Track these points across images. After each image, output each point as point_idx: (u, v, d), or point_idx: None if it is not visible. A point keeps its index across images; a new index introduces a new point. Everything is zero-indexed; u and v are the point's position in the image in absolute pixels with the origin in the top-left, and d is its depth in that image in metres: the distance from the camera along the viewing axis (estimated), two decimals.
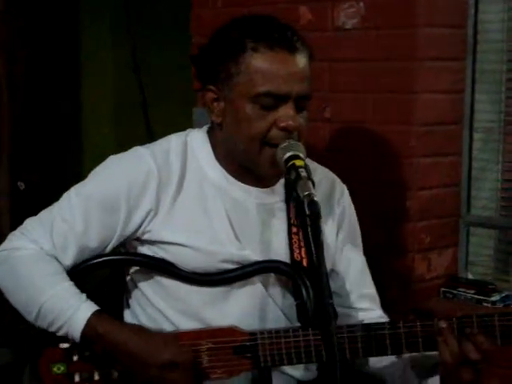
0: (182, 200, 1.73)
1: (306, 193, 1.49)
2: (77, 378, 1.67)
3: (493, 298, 2.44)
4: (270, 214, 1.77)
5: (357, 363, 1.81)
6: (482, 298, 2.46)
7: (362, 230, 1.94)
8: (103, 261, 1.75)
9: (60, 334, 1.65)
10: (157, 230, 1.72)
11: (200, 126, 1.85)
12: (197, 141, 1.79)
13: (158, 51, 4.24)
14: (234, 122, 1.69)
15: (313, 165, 1.78)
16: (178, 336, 1.67)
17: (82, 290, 1.68)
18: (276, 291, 1.76)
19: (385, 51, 2.49)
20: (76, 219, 1.70)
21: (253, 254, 1.73)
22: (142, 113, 4.37)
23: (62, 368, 1.67)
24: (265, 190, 1.78)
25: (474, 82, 2.53)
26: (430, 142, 2.48)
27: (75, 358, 1.68)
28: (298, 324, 1.71)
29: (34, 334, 1.69)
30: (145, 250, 1.75)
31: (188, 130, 1.83)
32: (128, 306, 1.83)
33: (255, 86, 1.65)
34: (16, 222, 1.81)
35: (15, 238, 1.74)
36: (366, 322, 1.80)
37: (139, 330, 1.68)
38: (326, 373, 1.47)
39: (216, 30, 1.73)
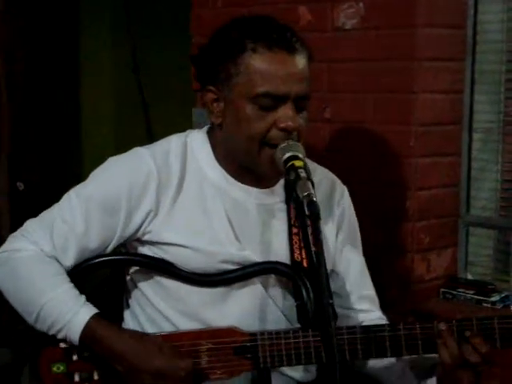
0: (181, 201, 1.73)
1: (306, 193, 1.49)
2: (76, 378, 1.68)
3: (492, 299, 2.44)
4: (270, 215, 1.77)
5: (356, 364, 1.81)
6: (481, 298, 2.46)
7: (361, 230, 1.94)
8: (103, 261, 1.75)
9: (59, 336, 1.65)
10: (157, 230, 1.72)
11: (199, 126, 1.85)
12: (197, 141, 1.79)
13: (157, 51, 4.24)
14: (234, 122, 1.69)
15: (312, 165, 1.78)
16: (175, 339, 1.66)
17: (82, 291, 1.69)
18: (276, 292, 1.76)
19: (384, 51, 2.49)
20: (76, 220, 1.71)
21: (253, 255, 1.73)
22: (142, 113, 4.37)
23: (62, 367, 1.67)
24: (265, 190, 1.78)
25: (473, 82, 2.54)
26: (429, 142, 2.48)
27: (75, 357, 1.68)
28: (298, 325, 1.71)
29: (33, 335, 1.69)
30: (145, 250, 1.75)
31: (188, 131, 1.83)
32: (128, 306, 1.83)
33: (254, 87, 1.65)
34: (15, 223, 1.81)
35: (15, 240, 1.74)
36: (365, 323, 1.80)
37: (137, 335, 1.67)
38: (326, 374, 1.47)
39: (215, 31, 1.74)
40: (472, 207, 2.60)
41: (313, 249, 1.46)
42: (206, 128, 1.82)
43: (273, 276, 1.75)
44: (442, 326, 1.64)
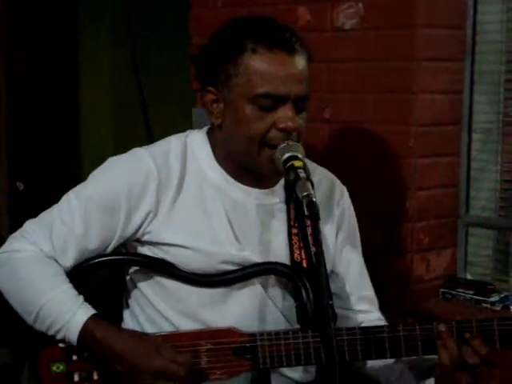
0: (181, 201, 1.73)
1: (305, 193, 1.49)
2: (76, 378, 1.67)
3: (492, 299, 2.44)
4: (270, 215, 1.77)
5: (355, 365, 1.81)
6: (480, 298, 2.46)
7: (360, 231, 1.94)
8: (103, 261, 1.75)
9: (58, 337, 1.65)
10: (157, 231, 1.72)
11: (199, 126, 1.85)
12: (196, 142, 1.79)
13: (157, 51, 4.23)
14: (234, 122, 1.69)
15: (312, 166, 1.78)
16: (175, 340, 1.66)
17: (82, 291, 1.69)
18: (276, 293, 1.76)
19: (384, 52, 2.49)
20: (76, 221, 1.71)
21: (252, 255, 1.73)
22: (142, 113, 4.36)
23: (62, 367, 1.67)
24: (264, 191, 1.78)
25: (472, 82, 2.54)
26: (428, 143, 2.49)
27: (74, 357, 1.68)
28: (298, 326, 1.71)
29: (32, 335, 1.69)
30: (145, 250, 1.75)
31: (188, 131, 1.83)
32: (127, 306, 1.83)
33: (254, 87, 1.65)
34: (15, 223, 1.81)
35: (15, 240, 1.74)
36: (364, 324, 1.80)
37: (136, 335, 1.67)
38: (326, 375, 1.47)
39: (215, 31, 1.74)
40: (471, 207, 2.60)
41: (312, 249, 1.46)
42: (205, 128, 1.82)
43: (272, 277, 1.75)
44: (442, 327, 1.64)
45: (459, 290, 2.51)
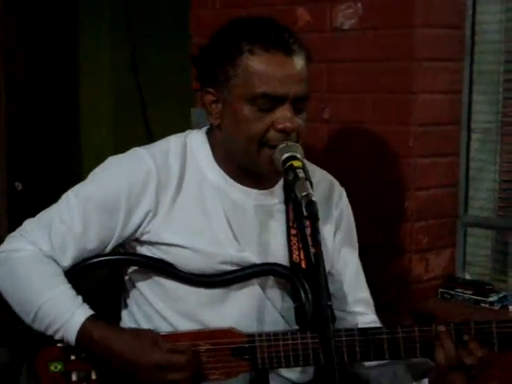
0: (181, 201, 1.73)
1: (304, 193, 1.49)
2: (74, 377, 1.67)
3: (490, 299, 2.45)
4: (269, 216, 1.77)
5: (348, 366, 1.80)
6: (479, 298, 2.46)
7: (359, 231, 1.94)
8: (101, 260, 1.75)
9: (57, 337, 1.65)
10: (156, 231, 1.72)
11: (199, 126, 1.85)
12: (196, 142, 1.79)
13: (157, 51, 4.23)
14: (233, 123, 1.69)
15: (311, 167, 1.78)
16: (174, 340, 1.66)
17: (80, 290, 1.69)
18: (274, 294, 1.76)
19: (383, 52, 2.49)
20: (75, 220, 1.71)
21: (252, 256, 1.73)
22: (141, 113, 4.36)
23: (60, 366, 1.67)
24: (263, 191, 1.78)
25: (471, 82, 2.54)
26: (427, 143, 2.49)
27: (72, 356, 1.68)
28: (296, 327, 1.71)
29: (31, 334, 1.69)
30: (144, 250, 1.75)
31: (187, 131, 1.83)
32: (126, 306, 1.83)
33: (252, 88, 1.65)
34: (14, 223, 1.81)
35: (14, 240, 1.74)
36: (359, 326, 1.79)
37: (133, 332, 1.67)
38: (324, 376, 1.47)
39: (214, 32, 1.74)
40: (470, 207, 2.60)
41: (311, 250, 1.46)
42: (205, 128, 1.82)
43: (271, 277, 1.75)
44: (441, 328, 1.64)
45: (458, 289, 2.51)
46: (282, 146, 1.64)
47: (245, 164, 1.73)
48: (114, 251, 1.77)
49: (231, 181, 1.76)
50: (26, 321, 1.68)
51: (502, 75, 2.52)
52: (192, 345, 1.66)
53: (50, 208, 1.76)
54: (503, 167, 2.55)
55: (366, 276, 1.91)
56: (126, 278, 1.81)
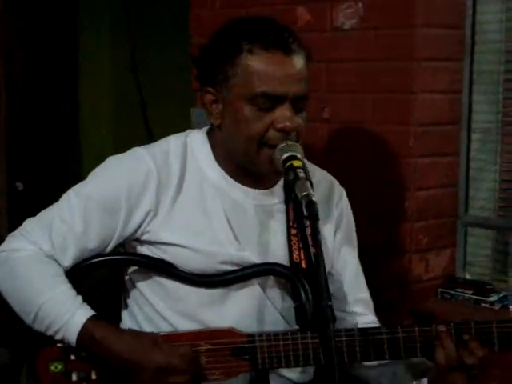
0: (181, 201, 1.73)
1: (304, 193, 1.49)
2: (74, 377, 1.67)
3: (491, 299, 2.45)
4: (269, 216, 1.77)
5: (347, 366, 1.80)
6: (479, 298, 2.46)
7: (359, 231, 1.94)
8: (102, 260, 1.75)
9: (57, 337, 1.65)
10: (156, 230, 1.72)
11: (199, 126, 1.85)
12: (196, 142, 1.79)
13: (157, 51, 4.23)
14: (233, 123, 1.69)
15: (311, 167, 1.78)
16: (174, 340, 1.66)
17: (80, 290, 1.69)
18: (274, 293, 1.76)
19: (383, 51, 2.49)
20: (75, 220, 1.70)
21: (252, 256, 1.73)
22: (141, 113, 4.36)
23: (60, 366, 1.67)
24: (263, 191, 1.78)
25: (471, 82, 2.54)
26: (428, 143, 2.49)
27: (72, 356, 1.68)
28: (297, 327, 1.71)
29: (31, 334, 1.69)
30: (144, 250, 1.75)
31: (188, 131, 1.83)
32: (126, 306, 1.83)
33: (252, 88, 1.65)
34: (14, 223, 1.81)
35: (14, 239, 1.74)
36: (359, 326, 1.79)
37: (134, 333, 1.67)
38: (324, 376, 1.47)
39: (214, 32, 1.74)
40: (470, 207, 2.60)
41: (311, 250, 1.46)
42: (205, 128, 1.83)
43: (271, 277, 1.75)
44: (441, 328, 1.64)
45: (458, 289, 2.51)
46: (282, 145, 1.64)
47: (245, 164, 1.73)
48: (115, 251, 1.77)
49: (231, 181, 1.76)
50: (27, 321, 1.68)
51: (502, 75, 2.52)
52: (192, 345, 1.66)
53: (51, 207, 1.76)
54: (503, 167, 2.55)
55: (365, 276, 1.91)
56: (127, 278, 1.81)
